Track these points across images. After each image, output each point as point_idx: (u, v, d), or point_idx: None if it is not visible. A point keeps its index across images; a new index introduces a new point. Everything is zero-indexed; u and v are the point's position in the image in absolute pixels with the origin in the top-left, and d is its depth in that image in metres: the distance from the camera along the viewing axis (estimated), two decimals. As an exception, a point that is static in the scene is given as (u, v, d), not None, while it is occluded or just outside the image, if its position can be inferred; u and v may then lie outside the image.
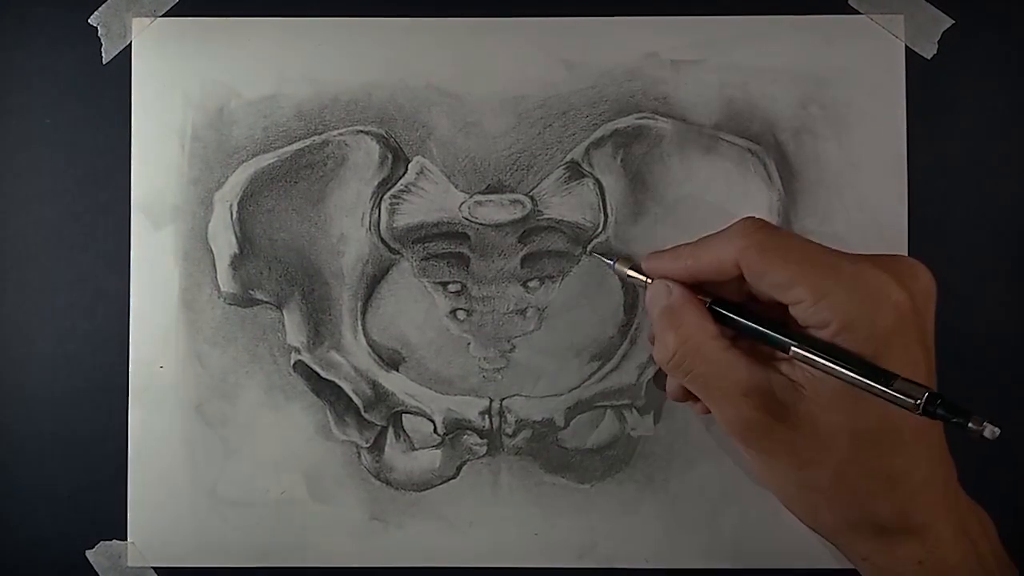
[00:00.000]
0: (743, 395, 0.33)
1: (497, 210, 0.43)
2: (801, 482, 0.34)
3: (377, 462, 0.44)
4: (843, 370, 0.31)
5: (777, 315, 0.34)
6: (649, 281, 0.38)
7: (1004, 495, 0.44)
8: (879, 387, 0.30)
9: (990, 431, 0.29)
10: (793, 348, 0.32)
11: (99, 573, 0.44)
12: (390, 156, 0.44)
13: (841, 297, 0.31)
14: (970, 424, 0.29)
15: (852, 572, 0.43)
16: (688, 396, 0.38)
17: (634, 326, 0.44)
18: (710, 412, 0.36)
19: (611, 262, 0.40)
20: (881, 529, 0.33)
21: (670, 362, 0.35)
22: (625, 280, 0.40)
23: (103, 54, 0.44)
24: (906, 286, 0.32)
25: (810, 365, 0.32)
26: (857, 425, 0.32)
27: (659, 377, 0.44)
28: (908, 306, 0.32)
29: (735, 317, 0.35)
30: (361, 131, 0.44)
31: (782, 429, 0.33)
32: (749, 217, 0.34)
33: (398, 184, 0.44)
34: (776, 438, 0.33)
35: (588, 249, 0.43)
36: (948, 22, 0.44)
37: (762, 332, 0.34)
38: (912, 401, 0.30)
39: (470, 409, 0.44)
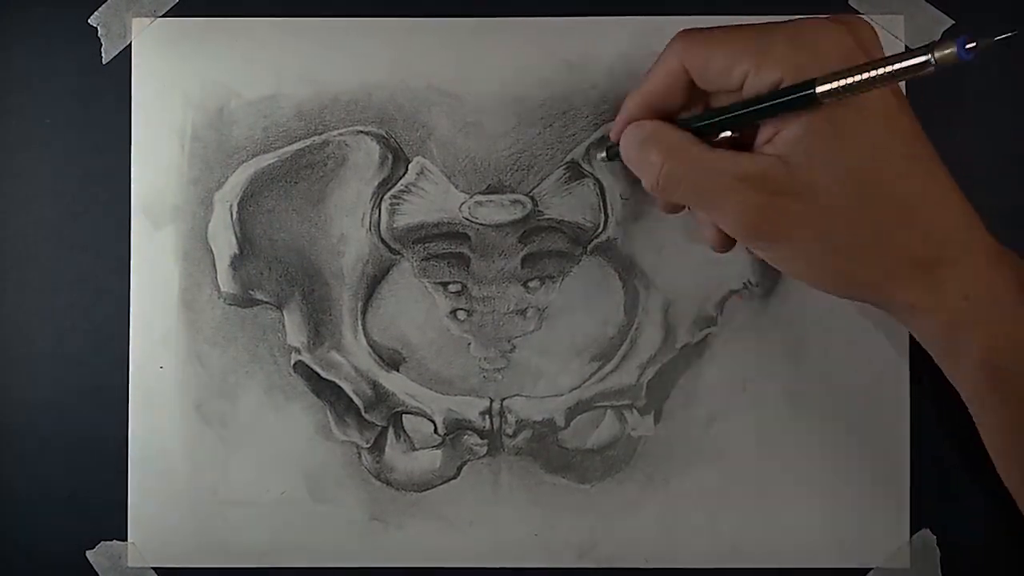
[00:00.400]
0: (739, 182, 0.32)
1: (497, 210, 0.43)
2: (823, 250, 0.33)
3: (377, 462, 0.44)
4: (867, 73, 0.29)
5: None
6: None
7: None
8: (902, 57, 0.29)
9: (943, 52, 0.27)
10: (753, 113, 0.32)
11: (99, 573, 0.44)
12: (390, 156, 0.44)
13: (781, 50, 0.31)
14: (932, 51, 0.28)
15: (854, 572, 0.43)
16: (680, 207, 0.38)
17: (634, 326, 0.44)
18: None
19: (602, 156, 0.42)
20: (915, 266, 0.32)
21: (660, 178, 0.35)
22: (610, 164, 0.42)
23: (103, 54, 0.44)
24: (849, 29, 0.32)
25: (774, 114, 0.32)
26: (850, 167, 0.32)
27: (659, 377, 0.44)
28: (852, 45, 0.31)
29: (701, 122, 0.35)
30: (361, 131, 0.44)
31: (786, 202, 0.32)
32: (684, 28, 0.35)
33: (398, 184, 0.44)
34: (784, 214, 0.32)
35: (602, 154, 0.43)
36: (948, 22, 0.44)
37: (725, 116, 0.34)
38: (952, 50, 0.28)
39: (470, 409, 0.44)
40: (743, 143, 0.35)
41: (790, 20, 0.33)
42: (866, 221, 0.32)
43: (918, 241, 0.32)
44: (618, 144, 0.38)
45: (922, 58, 0.28)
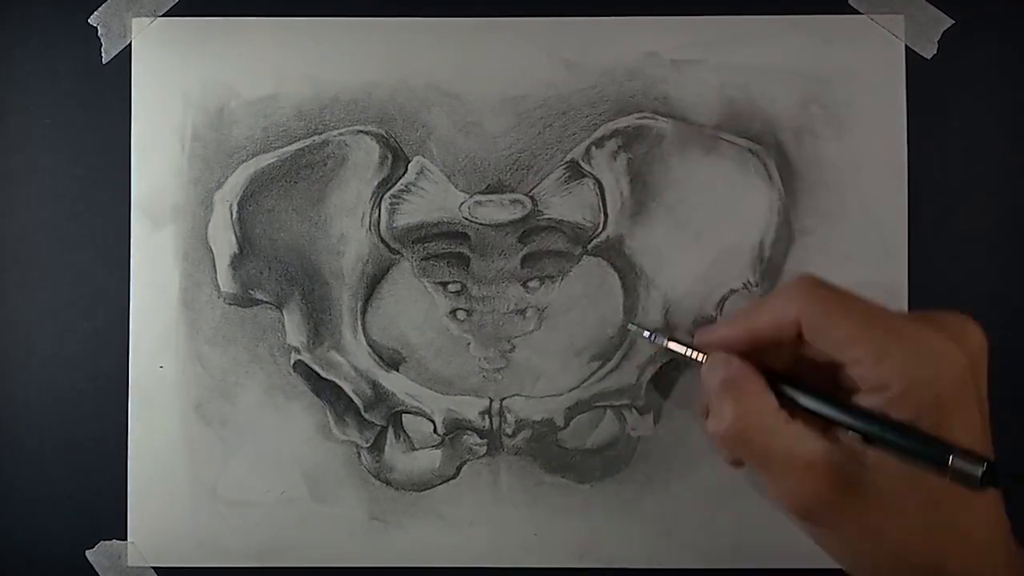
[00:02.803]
0: (807, 469, 0.32)
1: (497, 210, 0.43)
2: (866, 550, 0.33)
3: (377, 462, 0.44)
4: (902, 446, 0.31)
5: (831, 381, 0.34)
6: (700, 357, 0.37)
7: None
8: (937, 464, 0.30)
9: None
10: (852, 427, 0.33)
11: (99, 573, 0.44)
12: (390, 156, 0.44)
13: (901, 359, 0.31)
14: None
15: (852, 572, 0.43)
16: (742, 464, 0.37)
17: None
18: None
19: (650, 335, 0.40)
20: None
21: (728, 433, 0.34)
22: (669, 354, 0.40)
23: (103, 54, 0.44)
24: (963, 347, 0.32)
25: (871, 443, 0.32)
26: (922, 488, 0.32)
27: (659, 377, 0.44)
28: (966, 368, 0.32)
29: (795, 390, 0.34)
30: (361, 131, 0.44)
31: (848, 501, 0.32)
32: (807, 275, 0.34)
33: (398, 184, 0.44)
34: (842, 511, 0.32)
35: (627, 323, 0.43)
36: (948, 22, 0.44)
37: (825, 407, 0.34)
38: (975, 474, 0.30)
39: (470, 409, 0.44)
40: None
41: (913, 322, 0.33)
42: (918, 540, 0.32)
43: (959, 566, 0.32)
44: (667, 332, 0.39)
45: None
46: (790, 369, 0.35)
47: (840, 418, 0.33)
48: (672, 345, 0.39)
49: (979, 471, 0.30)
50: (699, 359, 0.37)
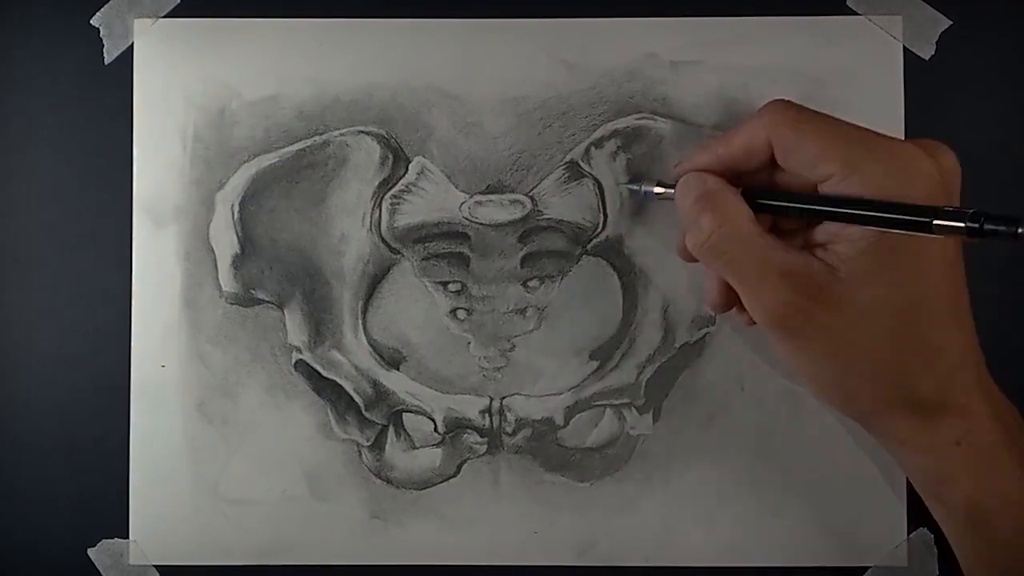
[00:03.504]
0: (780, 277, 0.33)
1: (497, 210, 0.44)
2: (838, 366, 0.33)
3: (378, 461, 0.44)
4: (887, 216, 0.31)
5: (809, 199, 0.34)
6: (674, 181, 0.38)
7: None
8: (925, 220, 0.30)
9: None
10: (831, 213, 0.32)
11: (101, 571, 0.44)
12: (391, 156, 0.44)
13: (871, 169, 0.31)
14: (1020, 230, 0.29)
15: (851, 571, 0.43)
16: (724, 290, 0.37)
17: (633, 325, 0.44)
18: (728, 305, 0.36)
19: (638, 186, 0.41)
20: (919, 406, 0.33)
21: (705, 244, 0.34)
22: (658, 199, 0.40)
23: (105, 55, 0.44)
24: (935, 161, 0.32)
25: (852, 222, 0.32)
26: (894, 300, 0.32)
27: (658, 376, 0.44)
28: (937, 179, 0.32)
29: (771, 202, 0.35)
30: (362, 131, 0.44)
31: (820, 311, 0.32)
32: (779, 99, 0.35)
33: (399, 184, 0.44)
34: (814, 322, 0.33)
35: (618, 183, 0.43)
36: (946, 23, 0.44)
37: (801, 207, 0.34)
38: (961, 225, 0.30)
39: (470, 408, 0.44)
40: (786, 231, 0.35)
41: (885, 138, 0.33)
42: (890, 356, 0.32)
43: (931, 386, 0.33)
44: (655, 179, 0.39)
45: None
46: (765, 190, 0.36)
47: (818, 208, 0.33)
48: (658, 189, 0.40)
49: (964, 223, 0.30)
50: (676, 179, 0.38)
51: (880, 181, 0.31)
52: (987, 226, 0.30)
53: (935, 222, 0.30)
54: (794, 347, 0.34)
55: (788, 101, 0.35)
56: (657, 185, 0.40)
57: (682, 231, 0.37)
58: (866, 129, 0.33)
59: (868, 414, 0.35)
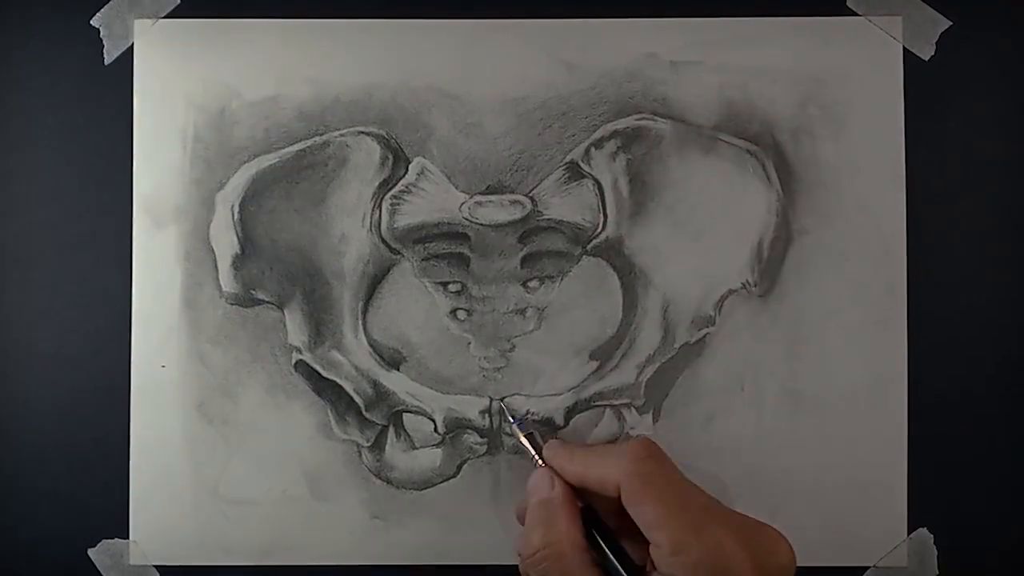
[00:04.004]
0: None
1: (497, 210, 0.44)
2: None
3: (378, 461, 0.44)
4: None
5: (644, 548, 0.35)
6: (539, 463, 0.39)
7: (1012, 499, 0.44)
8: None
9: None
10: None
11: (101, 571, 0.44)
12: (391, 157, 0.44)
13: (694, 559, 0.32)
14: None
15: (851, 571, 0.43)
16: None
17: (633, 326, 0.44)
18: None
19: (512, 421, 0.42)
20: None
21: (530, 559, 0.36)
22: (518, 443, 0.41)
23: (105, 55, 0.44)
24: (760, 565, 0.33)
25: None
26: None
27: (658, 376, 0.44)
28: None
29: (601, 540, 0.36)
30: (362, 132, 0.44)
31: None
32: (644, 440, 0.36)
33: (399, 184, 0.44)
34: None
35: (499, 401, 0.44)
36: (946, 23, 0.44)
37: (615, 568, 0.35)
38: None
39: (470, 408, 0.44)
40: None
41: (727, 523, 0.34)
42: None
43: None
44: (529, 428, 0.41)
45: None
46: (617, 514, 0.36)
47: None
48: (524, 440, 0.41)
49: None
50: (537, 461, 0.40)
51: (698, 571, 0.32)
52: None
53: None
54: None
55: (651, 447, 0.36)
56: (525, 436, 0.41)
57: (521, 506, 0.39)
58: (711, 508, 0.34)
59: None
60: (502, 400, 0.44)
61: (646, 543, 0.34)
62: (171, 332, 0.44)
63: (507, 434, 0.44)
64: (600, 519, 0.37)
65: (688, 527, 0.33)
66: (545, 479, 0.38)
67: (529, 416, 0.44)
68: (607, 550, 0.36)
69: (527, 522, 0.37)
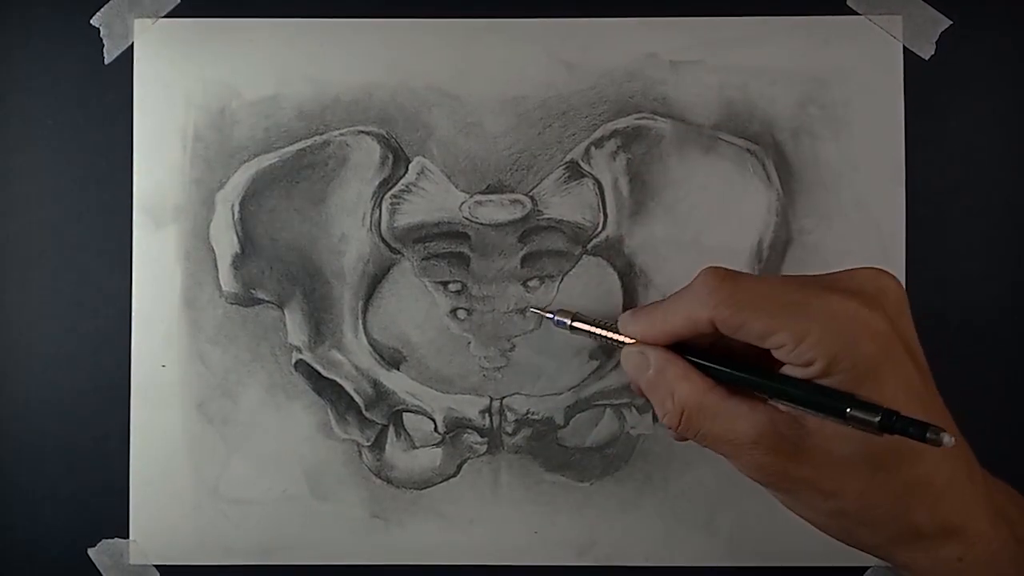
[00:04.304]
0: (753, 444, 0.33)
1: (497, 210, 0.44)
2: (831, 511, 0.33)
3: (378, 460, 0.44)
4: (809, 410, 0.32)
5: (758, 355, 0.34)
6: (622, 341, 0.37)
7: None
8: (838, 419, 0.31)
9: (947, 440, 0.29)
10: (760, 385, 0.33)
11: (101, 571, 0.44)
12: (391, 156, 0.44)
13: (819, 336, 0.32)
14: (928, 435, 0.29)
15: (851, 571, 0.43)
16: None
17: (633, 325, 0.44)
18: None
19: (552, 317, 0.40)
20: (919, 536, 0.33)
21: (679, 423, 0.35)
22: (573, 332, 0.39)
23: (105, 55, 0.44)
24: (879, 305, 0.32)
25: (782, 399, 0.33)
26: (869, 446, 0.32)
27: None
28: (885, 326, 0.32)
29: (718, 368, 0.35)
30: (362, 131, 0.44)
31: (798, 468, 0.33)
32: (710, 269, 0.34)
33: (399, 184, 0.44)
34: (796, 476, 0.33)
35: (528, 309, 0.43)
36: (946, 23, 0.44)
37: (744, 379, 0.34)
38: (873, 421, 0.30)
39: (470, 408, 0.44)
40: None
41: (828, 293, 0.33)
42: (877, 495, 0.32)
43: (925, 519, 0.33)
44: (576, 314, 0.39)
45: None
46: (718, 345, 0.35)
47: (757, 382, 0.34)
48: (579, 325, 0.39)
49: (876, 418, 0.30)
50: (617, 340, 0.37)
51: (830, 347, 0.32)
52: (897, 426, 0.30)
53: (848, 411, 0.31)
54: (786, 499, 0.35)
55: (719, 272, 0.34)
56: (574, 319, 0.39)
57: (634, 382, 0.37)
58: (803, 285, 0.33)
59: (869, 547, 0.35)
60: (530, 310, 0.43)
61: (762, 357, 0.33)
62: (171, 332, 0.44)
63: (508, 434, 0.44)
64: (711, 352, 0.35)
65: (796, 314, 0.32)
66: (636, 360, 0.36)
67: (530, 415, 0.44)
68: (732, 369, 0.34)
69: (654, 402, 0.36)
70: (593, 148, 0.44)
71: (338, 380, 0.44)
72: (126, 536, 0.44)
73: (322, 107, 0.44)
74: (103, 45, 0.44)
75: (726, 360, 0.35)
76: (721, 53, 0.44)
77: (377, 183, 0.44)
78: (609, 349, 0.44)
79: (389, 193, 0.44)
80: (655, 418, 0.44)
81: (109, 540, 0.44)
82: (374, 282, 0.44)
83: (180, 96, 0.44)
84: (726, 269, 0.34)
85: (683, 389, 0.35)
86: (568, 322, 0.39)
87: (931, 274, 0.44)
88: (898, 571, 0.36)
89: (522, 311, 0.44)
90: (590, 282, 0.44)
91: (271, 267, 0.44)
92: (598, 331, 0.38)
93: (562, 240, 0.44)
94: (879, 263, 0.43)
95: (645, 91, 0.44)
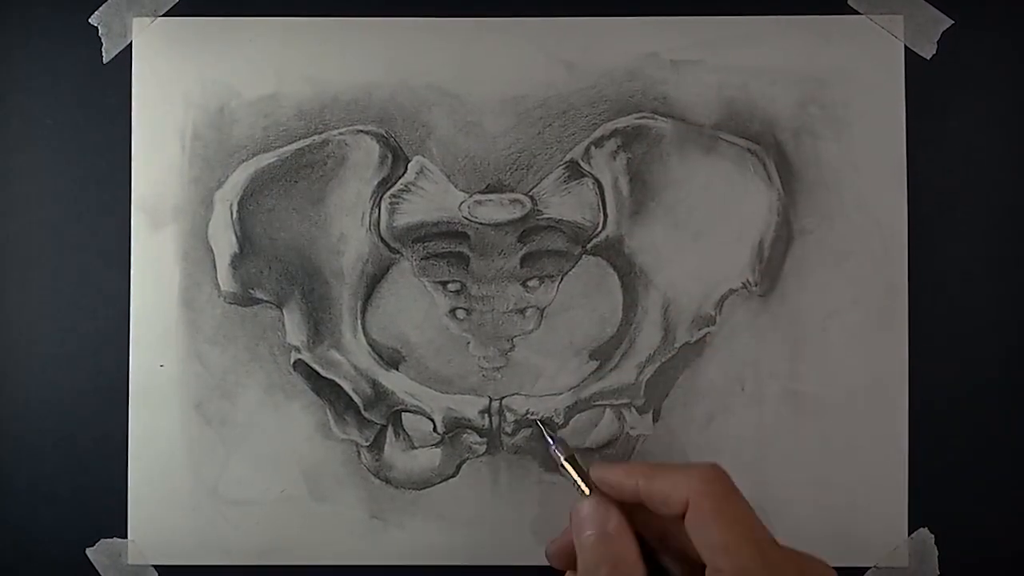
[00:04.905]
0: None
1: (497, 209, 0.43)
2: None
3: (377, 461, 0.44)
4: None
5: (695, 566, 0.34)
6: (585, 490, 0.37)
7: (1013, 497, 0.44)
8: None
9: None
10: None
11: (99, 571, 0.44)
12: (390, 155, 0.44)
13: None
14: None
15: (852, 571, 0.43)
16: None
17: (633, 325, 0.44)
18: None
19: (551, 444, 0.40)
20: None
21: None
22: (560, 470, 0.39)
23: (104, 54, 0.44)
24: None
25: None
26: None
27: (658, 376, 0.44)
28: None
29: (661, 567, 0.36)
30: (361, 130, 0.44)
31: None
32: (714, 464, 0.35)
33: (398, 183, 0.44)
34: None
35: (535, 420, 0.43)
36: (947, 22, 0.44)
37: None
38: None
39: (470, 408, 0.44)
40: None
41: (784, 560, 0.33)
42: None
43: None
44: (568, 448, 0.39)
45: None
46: (661, 532, 0.36)
47: None
48: (566, 465, 0.38)
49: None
50: (585, 491, 0.37)
51: None
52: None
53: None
54: None
55: (720, 471, 0.34)
56: (566, 459, 0.39)
57: (564, 539, 0.37)
58: (774, 542, 0.33)
59: None
60: (539, 419, 0.43)
61: (695, 565, 0.33)
62: (169, 332, 0.44)
63: (507, 434, 0.44)
64: (653, 540, 0.36)
65: (755, 556, 0.32)
66: (600, 510, 0.36)
67: (539, 416, 0.44)
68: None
69: (586, 560, 0.35)
70: (593, 148, 0.44)
71: (337, 380, 0.44)
72: (124, 536, 0.44)
73: (321, 106, 0.44)
74: (102, 44, 0.44)
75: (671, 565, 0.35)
76: (722, 52, 0.44)
77: (376, 182, 0.44)
78: (609, 349, 0.44)
79: (388, 193, 0.44)
80: (655, 418, 0.44)
81: (107, 540, 0.44)
82: (373, 282, 0.44)
83: (179, 95, 0.44)
84: (728, 476, 0.35)
85: (626, 568, 0.34)
86: (561, 458, 0.39)
87: (933, 273, 0.44)
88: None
89: (522, 311, 0.44)
90: (590, 282, 0.44)
91: (270, 267, 0.44)
92: (575, 476, 0.38)
93: (562, 240, 0.44)
94: (881, 262, 0.43)
95: (645, 90, 0.44)
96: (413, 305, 0.44)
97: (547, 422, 0.43)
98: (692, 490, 0.34)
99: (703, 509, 0.33)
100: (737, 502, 0.34)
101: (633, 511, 0.36)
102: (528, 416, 0.43)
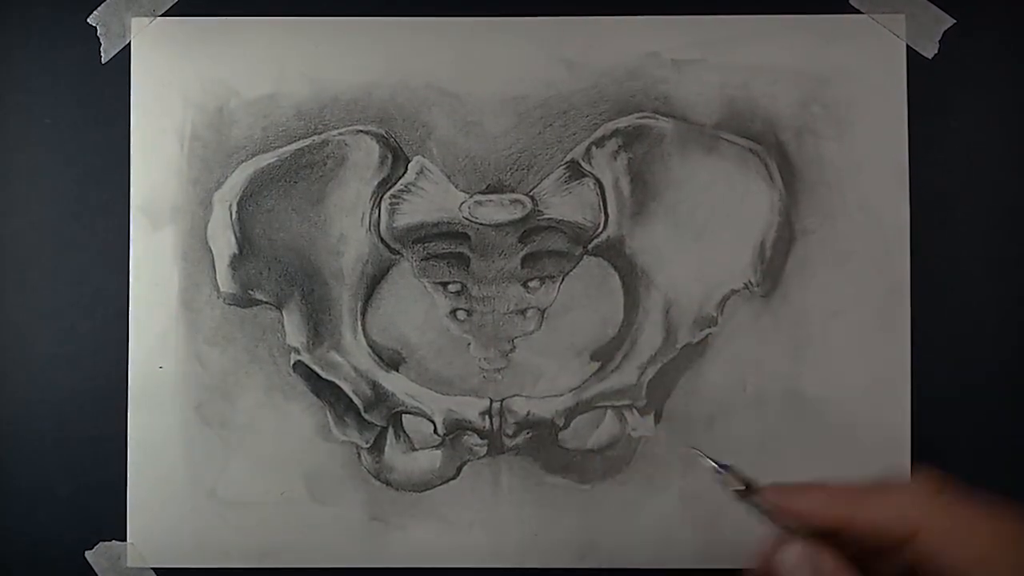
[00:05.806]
0: None
1: (497, 210, 0.43)
2: None
3: (377, 462, 0.44)
4: None
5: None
6: (775, 522, 0.32)
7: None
8: None
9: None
10: None
11: (99, 574, 0.44)
12: (390, 156, 0.44)
13: None
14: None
15: (853, 573, 0.43)
16: None
17: (634, 326, 0.44)
18: None
19: (720, 471, 0.33)
20: None
21: None
22: (744, 504, 0.33)
23: (102, 54, 0.44)
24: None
25: None
26: None
27: (659, 377, 0.44)
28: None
29: None
30: (361, 131, 0.44)
31: None
32: (929, 477, 0.30)
33: (398, 184, 0.44)
34: None
35: (692, 448, 0.40)
36: (949, 21, 0.44)
37: None
38: None
39: (470, 409, 0.44)
40: None
41: None
42: None
43: None
44: (743, 478, 0.33)
45: None
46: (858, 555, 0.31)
47: None
48: (742, 496, 0.33)
49: None
50: (775, 524, 0.32)
51: None
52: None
53: None
54: None
55: (938, 482, 0.30)
56: (744, 486, 0.33)
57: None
58: (1007, 518, 0.30)
59: None
60: (692, 450, 0.38)
61: None
62: (168, 333, 0.44)
63: (508, 436, 0.44)
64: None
65: (1006, 552, 0.29)
66: (808, 560, 0.30)
67: (530, 416, 0.43)
68: None
69: None
70: (594, 147, 0.43)
71: (337, 381, 0.44)
72: (124, 539, 0.44)
73: (321, 106, 0.44)
74: (100, 44, 0.44)
75: None
76: (723, 52, 0.44)
77: (376, 183, 0.44)
78: (610, 350, 0.44)
79: (388, 193, 0.44)
80: (656, 420, 0.44)
81: (107, 543, 0.44)
82: (373, 283, 0.44)
83: (178, 95, 0.44)
84: (941, 475, 0.30)
85: None
86: (734, 489, 0.33)
87: (934, 273, 0.43)
88: None
89: (522, 311, 0.44)
90: (591, 283, 0.44)
91: (269, 268, 0.44)
92: (765, 510, 0.32)
93: (563, 240, 0.44)
94: (883, 262, 0.43)
95: (646, 90, 0.44)
96: (413, 306, 0.44)
97: (704, 453, 0.35)
98: (920, 517, 0.29)
99: (941, 534, 0.29)
100: (968, 510, 0.30)
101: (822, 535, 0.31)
102: (689, 449, 0.41)
